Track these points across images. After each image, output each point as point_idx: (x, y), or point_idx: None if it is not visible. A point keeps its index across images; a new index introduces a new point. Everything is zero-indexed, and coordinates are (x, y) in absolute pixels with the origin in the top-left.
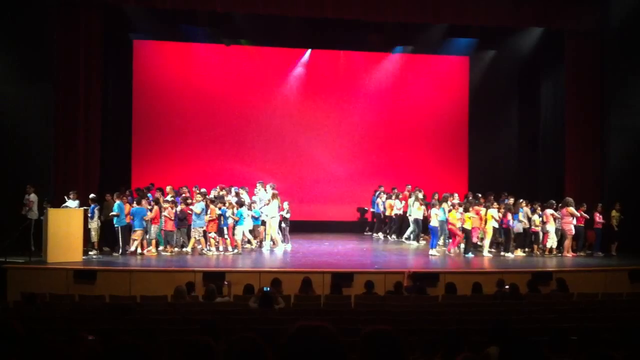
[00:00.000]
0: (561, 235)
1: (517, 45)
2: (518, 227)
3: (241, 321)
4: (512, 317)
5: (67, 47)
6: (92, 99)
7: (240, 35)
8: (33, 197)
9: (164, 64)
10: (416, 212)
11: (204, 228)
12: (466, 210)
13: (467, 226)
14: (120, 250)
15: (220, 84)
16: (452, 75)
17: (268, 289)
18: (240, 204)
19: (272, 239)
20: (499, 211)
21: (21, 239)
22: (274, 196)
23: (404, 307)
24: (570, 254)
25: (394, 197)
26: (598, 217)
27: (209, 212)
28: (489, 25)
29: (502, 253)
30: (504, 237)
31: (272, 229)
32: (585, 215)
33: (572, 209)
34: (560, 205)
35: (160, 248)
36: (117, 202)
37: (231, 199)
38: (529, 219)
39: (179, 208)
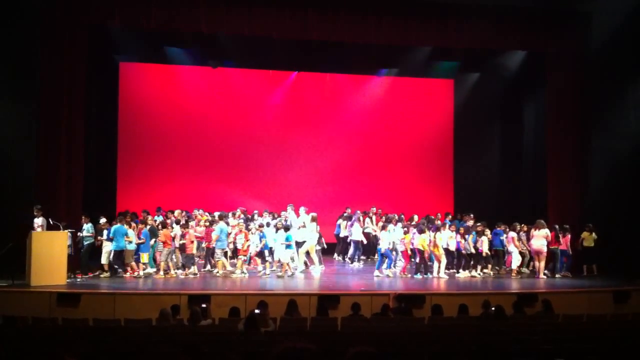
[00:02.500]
0: (531, 256)
1: (500, 68)
2: (468, 248)
3: (226, 343)
4: (497, 338)
5: (51, 67)
6: (75, 119)
7: (227, 58)
8: (42, 220)
9: (150, 85)
10: (356, 233)
11: (225, 250)
12: (421, 232)
13: (420, 248)
14: (119, 273)
15: (207, 106)
16: (437, 98)
17: (258, 311)
18: (287, 228)
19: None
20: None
21: (5, 260)
22: (313, 219)
23: (390, 329)
24: (542, 276)
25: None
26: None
27: (242, 235)
28: (472, 47)
29: (457, 274)
30: (456, 258)
31: (308, 250)
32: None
33: (545, 231)
34: (533, 226)
35: (153, 270)
36: (117, 225)
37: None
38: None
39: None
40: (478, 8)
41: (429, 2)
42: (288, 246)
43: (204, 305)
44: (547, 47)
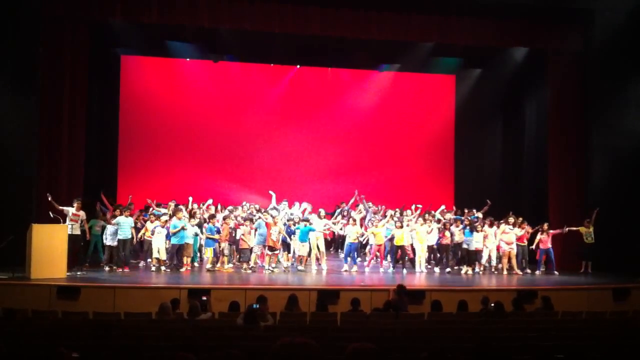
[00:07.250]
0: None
1: (502, 64)
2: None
3: (225, 338)
4: (497, 335)
5: (52, 61)
6: (77, 113)
7: (228, 52)
8: (82, 213)
9: (151, 79)
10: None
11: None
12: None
13: (398, 242)
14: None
15: (208, 100)
16: (438, 93)
17: (257, 306)
18: (306, 220)
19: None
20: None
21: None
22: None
23: (390, 325)
24: (518, 271)
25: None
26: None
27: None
28: (474, 45)
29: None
30: (438, 253)
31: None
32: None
33: (511, 227)
34: (502, 221)
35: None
36: (176, 219)
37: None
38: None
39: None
40: (480, 5)
41: None
42: (303, 240)
43: (204, 298)
44: (548, 44)
